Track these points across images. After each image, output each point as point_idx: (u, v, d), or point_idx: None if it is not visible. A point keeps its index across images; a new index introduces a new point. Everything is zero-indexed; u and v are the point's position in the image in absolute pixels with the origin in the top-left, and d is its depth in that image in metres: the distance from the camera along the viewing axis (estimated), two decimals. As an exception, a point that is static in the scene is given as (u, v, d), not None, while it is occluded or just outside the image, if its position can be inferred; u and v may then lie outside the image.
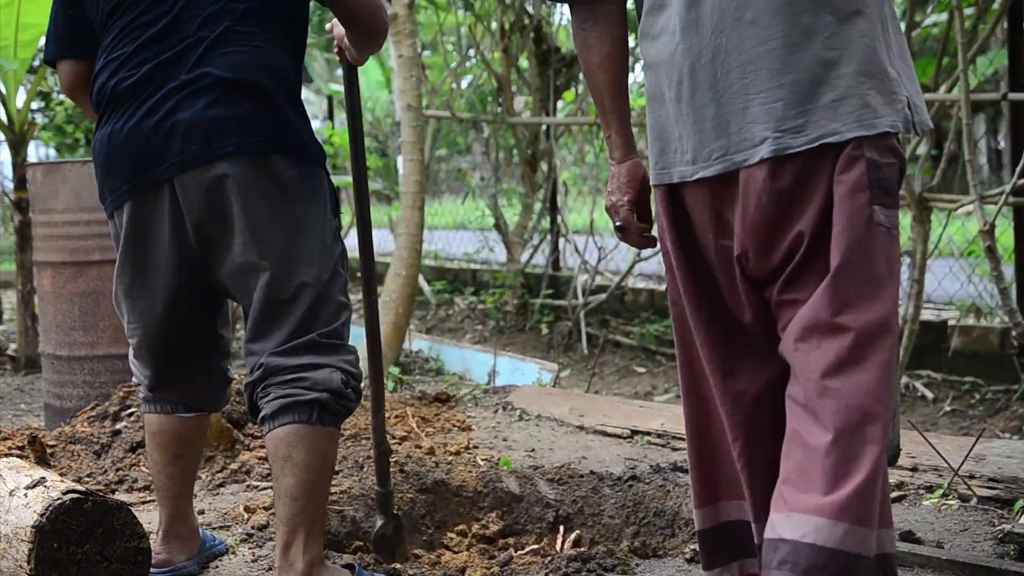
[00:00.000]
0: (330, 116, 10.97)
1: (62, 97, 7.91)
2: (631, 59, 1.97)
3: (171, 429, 2.44)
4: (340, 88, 12.04)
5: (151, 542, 2.34)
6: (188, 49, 2.16)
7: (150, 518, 2.83)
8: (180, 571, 2.47)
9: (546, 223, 7.33)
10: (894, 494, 2.85)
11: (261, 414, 2.19)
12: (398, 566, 2.57)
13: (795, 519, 1.59)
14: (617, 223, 1.93)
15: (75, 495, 2.16)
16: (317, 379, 2.14)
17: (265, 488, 3.16)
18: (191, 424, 2.46)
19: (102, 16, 2.26)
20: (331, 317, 2.21)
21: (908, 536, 2.53)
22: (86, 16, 2.30)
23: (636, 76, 9.62)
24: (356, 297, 9.19)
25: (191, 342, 2.38)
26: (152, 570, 2.35)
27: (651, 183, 1.86)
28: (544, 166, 7.34)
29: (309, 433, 2.13)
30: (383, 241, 10.39)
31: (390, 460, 2.81)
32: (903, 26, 4.68)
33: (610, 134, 1.92)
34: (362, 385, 2.29)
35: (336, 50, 2.55)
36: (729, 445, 1.85)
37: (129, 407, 3.66)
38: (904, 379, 4.68)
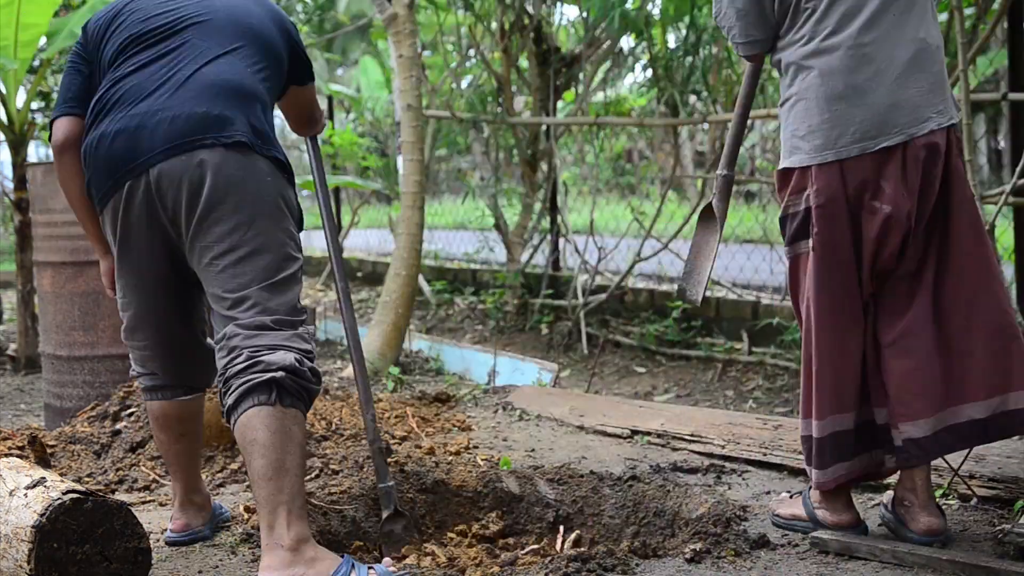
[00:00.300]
0: (330, 116, 10.96)
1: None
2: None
3: (173, 412, 2.65)
4: (340, 88, 12.05)
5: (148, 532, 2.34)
6: (183, 67, 2.40)
7: (150, 518, 2.84)
8: (197, 535, 2.70)
9: (546, 223, 7.32)
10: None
11: (225, 408, 2.28)
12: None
13: None
14: None
15: (75, 495, 2.16)
16: (272, 360, 2.24)
17: (265, 488, 3.16)
18: (191, 405, 2.69)
19: (112, 55, 2.49)
20: (288, 309, 2.35)
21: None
22: (94, 73, 2.54)
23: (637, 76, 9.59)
24: (356, 297, 9.20)
25: (182, 322, 2.58)
26: (171, 534, 2.62)
27: (821, 161, 2.48)
28: (544, 166, 7.33)
29: (271, 413, 2.21)
30: (383, 241, 10.40)
31: (386, 455, 2.85)
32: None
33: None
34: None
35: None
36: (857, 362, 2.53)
37: (129, 407, 3.67)
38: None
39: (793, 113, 2.54)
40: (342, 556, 2.28)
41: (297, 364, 2.26)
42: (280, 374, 2.23)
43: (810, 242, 2.52)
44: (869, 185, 2.49)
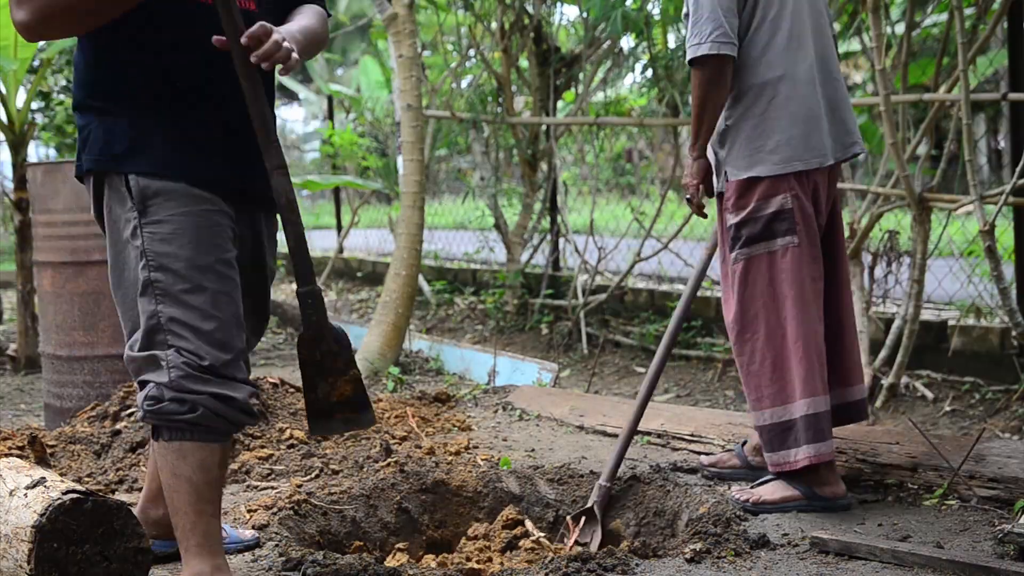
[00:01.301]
0: (330, 116, 10.97)
1: (62, 97, 7.92)
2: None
3: None
4: (340, 88, 12.03)
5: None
6: None
7: (150, 518, 2.83)
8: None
9: (546, 223, 7.32)
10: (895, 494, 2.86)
11: None
12: (396, 566, 2.57)
13: None
14: (687, 196, 3.00)
15: (75, 495, 2.16)
16: (139, 401, 2.22)
17: (265, 488, 3.16)
18: None
19: None
20: (140, 334, 2.20)
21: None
22: None
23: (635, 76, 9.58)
24: (356, 297, 9.20)
25: None
26: (156, 543, 2.47)
27: (792, 171, 2.79)
28: (544, 166, 7.33)
29: (156, 450, 2.23)
30: (383, 241, 10.39)
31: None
32: (903, 26, 4.69)
33: (701, 142, 2.91)
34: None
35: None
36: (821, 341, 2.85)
37: (129, 407, 3.67)
38: (904, 379, 4.68)
39: (759, 130, 2.81)
40: None
41: (149, 405, 2.18)
42: (144, 415, 2.20)
43: (795, 238, 2.80)
44: (813, 195, 2.86)
